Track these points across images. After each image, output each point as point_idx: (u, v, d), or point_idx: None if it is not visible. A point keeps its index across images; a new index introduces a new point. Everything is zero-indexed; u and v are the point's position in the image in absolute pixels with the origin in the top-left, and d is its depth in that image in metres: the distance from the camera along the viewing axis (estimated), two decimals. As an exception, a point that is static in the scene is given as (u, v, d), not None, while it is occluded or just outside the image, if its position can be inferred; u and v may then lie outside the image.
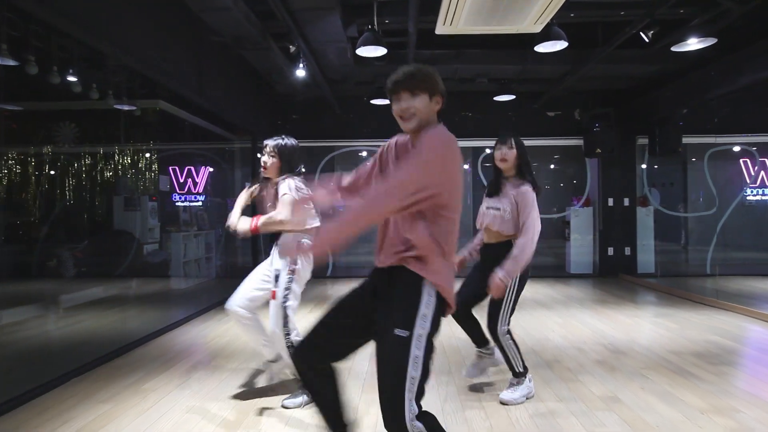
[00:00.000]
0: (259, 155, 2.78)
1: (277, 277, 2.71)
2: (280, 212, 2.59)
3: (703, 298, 5.77)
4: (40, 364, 3.59)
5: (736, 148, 8.30)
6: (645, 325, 4.71)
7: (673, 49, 4.71)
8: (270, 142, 2.75)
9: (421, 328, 1.51)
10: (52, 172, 6.42)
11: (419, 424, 1.46)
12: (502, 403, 2.74)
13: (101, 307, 5.23)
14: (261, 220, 2.63)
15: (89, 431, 2.45)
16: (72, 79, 5.21)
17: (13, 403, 2.75)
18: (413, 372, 1.47)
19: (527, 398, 2.80)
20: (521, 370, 2.80)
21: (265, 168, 2.75)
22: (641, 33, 4.47)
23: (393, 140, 1.86)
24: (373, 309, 1.62)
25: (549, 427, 2.45)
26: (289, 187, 2.63)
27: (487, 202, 2.84)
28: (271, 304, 2.68)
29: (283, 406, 2.73)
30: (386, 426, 1.48)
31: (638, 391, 2.94)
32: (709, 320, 4.84)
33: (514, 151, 2.73)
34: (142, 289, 6.51)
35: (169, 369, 3.43)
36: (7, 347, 4.01)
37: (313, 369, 1.69)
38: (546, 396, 2.87)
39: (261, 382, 3.16)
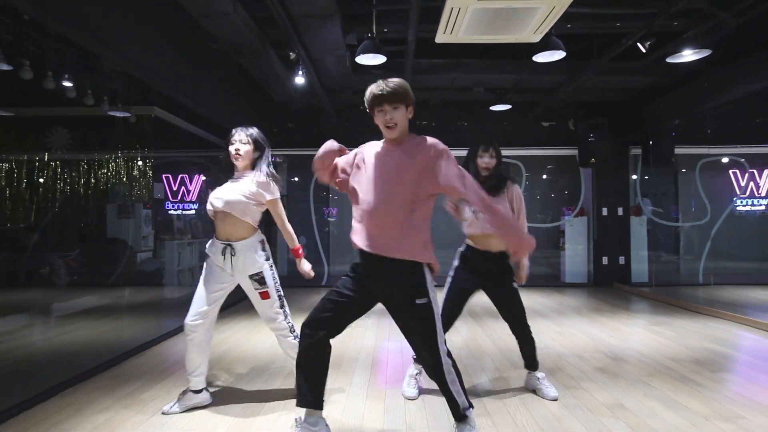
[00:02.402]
0: (236, 144, 2.70)
1: (260, 279, 2.71)
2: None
3: (698, 306, 5.81)
4: (33, 374, 3.51)
5: (725, 159, 8.44)
6: (643, 333, 4.73)
7: (669, 60, 4.78)
8: (240, 130, 2.72)
9: (432, 293, 2.03)
10: (41, 180, 6.33)
11: (448, 360, 2.05)
12: None
13: (95, 316, 5.13)
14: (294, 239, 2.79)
15: (88, 441, 2.39)
16: (67, 84, 5.16)
17: (8, 414, 2.68)
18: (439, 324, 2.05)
19: None
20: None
21: (237, 157, 2.68)
22: (638, 44, 4.54)
23: (370, 150, 2.07)
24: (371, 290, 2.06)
25: (556, 435, 2.44)
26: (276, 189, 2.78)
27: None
28: (265, 304, 2.68)
29: (163, 413, 2.71)
30: (426, 365, 2.07)
31: (642, 398, 2.94)
32: (705, 328, 4.87)
33: (495, 160, 2.89)
34: (136, 298, 6.41)
35: (167, 378, 3.37)
36: (1, 356, 3.92)
37: (317, 342, 2.00)
38: (551, 404, 2.86)
39: (267, 388, 3.11)
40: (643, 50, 4.49)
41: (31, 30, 4.67)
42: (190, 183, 8.08)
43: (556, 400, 2.90)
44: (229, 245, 2.68)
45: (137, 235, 6.64)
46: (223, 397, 2.99)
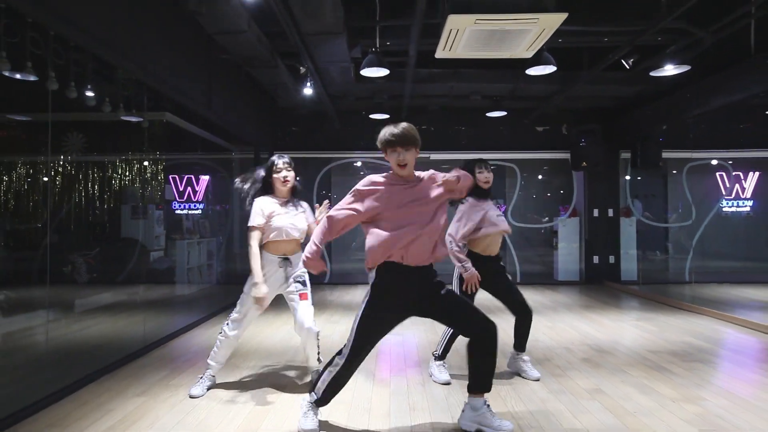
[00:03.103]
0: (283, 172, 3.09)
1: (303, 281, 3.12)
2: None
3: (681, 303, 6.17)
4: (70, 363, 3.85)
5: (714, 162, 8.80)
6: (627, 327, 5.08)
7: (652, 73, 5.13)
8: (284, 158, 3.11)
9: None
10: (45, 181, 6.63)
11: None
12: None
13: (117, 312, 5.47)
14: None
15: (130, 421, 2.72)
16: (90, 94, 5.48)
17: (53, 398, 3.01)
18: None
19: None
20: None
21: (288, 181, 3.12)
22: (622, 60, 4.88)
23: (385, 184, 2.36)
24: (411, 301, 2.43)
25: (541, 415, 2.78)
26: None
27: (493, 210, 3.27)
28: (303, 304, 3.03)
29: (191, 396, 3.06)
30: (485, 322, 2.41)
31: (619, 383, 3.29)
32: (687, 324, 5.23)
33: (492, 174, 3.36)
34: (151, 295, 6.73)
35: (191, 367, 3.71)
36: (36, 348, 4.24)
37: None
38: (538, 389, 3.21)
39: (280, 376, 3.45)
40: (627, 66, 4.83)
41: (57, 44, 4.98)
42: (197, 184, 8.41)
43: (538, 380, 3.28)
44: (287, 259, 3.11)
45: (150, 235, 6.96)
46: (242, 386, 3.34)
